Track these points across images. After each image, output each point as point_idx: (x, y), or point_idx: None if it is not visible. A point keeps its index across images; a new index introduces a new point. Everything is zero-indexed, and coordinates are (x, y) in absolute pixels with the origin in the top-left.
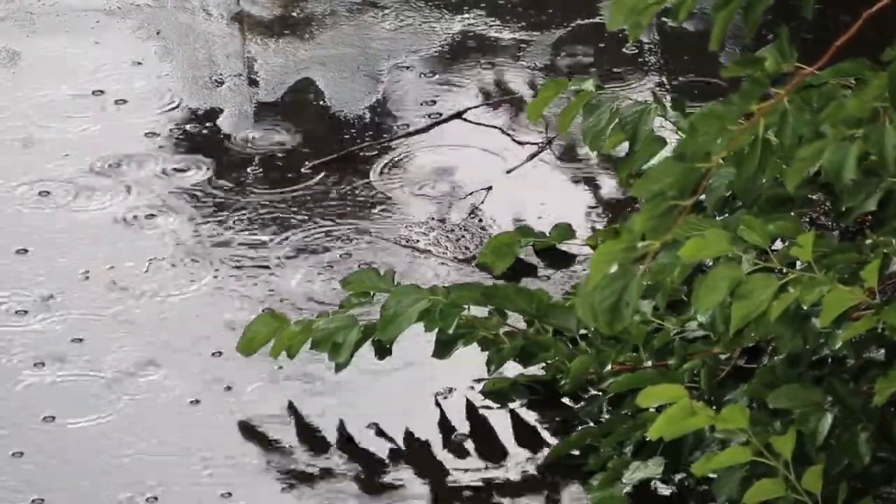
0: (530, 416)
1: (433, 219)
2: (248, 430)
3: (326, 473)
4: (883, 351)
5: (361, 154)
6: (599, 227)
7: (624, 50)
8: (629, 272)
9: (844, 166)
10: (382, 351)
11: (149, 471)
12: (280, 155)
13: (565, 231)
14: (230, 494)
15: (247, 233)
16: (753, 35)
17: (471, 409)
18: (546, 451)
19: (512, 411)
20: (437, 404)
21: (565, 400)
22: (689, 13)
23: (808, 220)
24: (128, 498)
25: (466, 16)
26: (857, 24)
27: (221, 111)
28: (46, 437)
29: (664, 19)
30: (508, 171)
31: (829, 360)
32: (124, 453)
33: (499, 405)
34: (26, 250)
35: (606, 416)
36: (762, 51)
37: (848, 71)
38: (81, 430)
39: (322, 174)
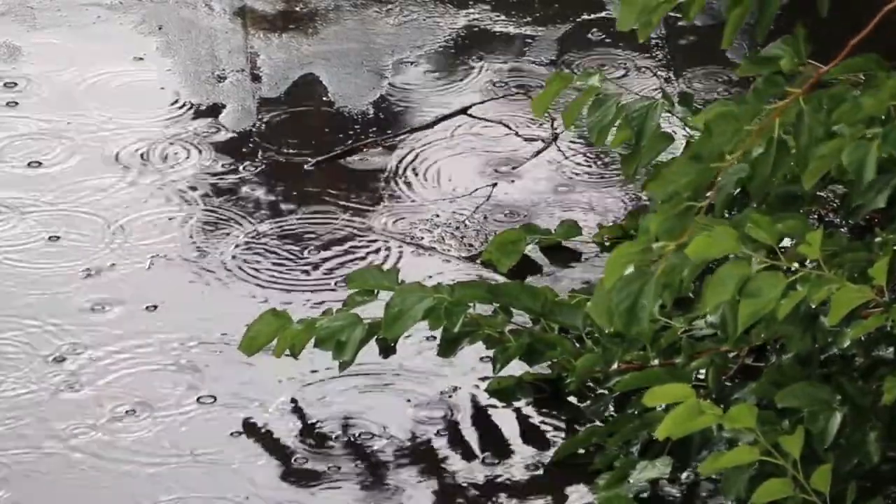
0: (536, 415)
1: (437, 215)
2: (251, 430)
3: (330, 473)
4: (892, 349)
5: (365, 150)
6: (606, 223)
7: (630, 45)
8: (645, 274)
9: (865, 165)
10: (387, 350)
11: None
12: (282, 151)
13: (571, 228)
14: (233, 494)
15: (248, 230)
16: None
17: (476, 408)
18: (552, 450)
19: (517, 410)
20: (442, 403)
21: (571, 399)
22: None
23: (816, 217)
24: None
25: (471, 11)
26: (873, 21)
27: (224, 107)
28: None
29: (671, 14)
30: (514, 168)
31: (838, 358)
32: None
33: (504, 404)
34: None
35: (613, 415)
36: (772, 46)
37: (858, 67)
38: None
39: (325, 170)
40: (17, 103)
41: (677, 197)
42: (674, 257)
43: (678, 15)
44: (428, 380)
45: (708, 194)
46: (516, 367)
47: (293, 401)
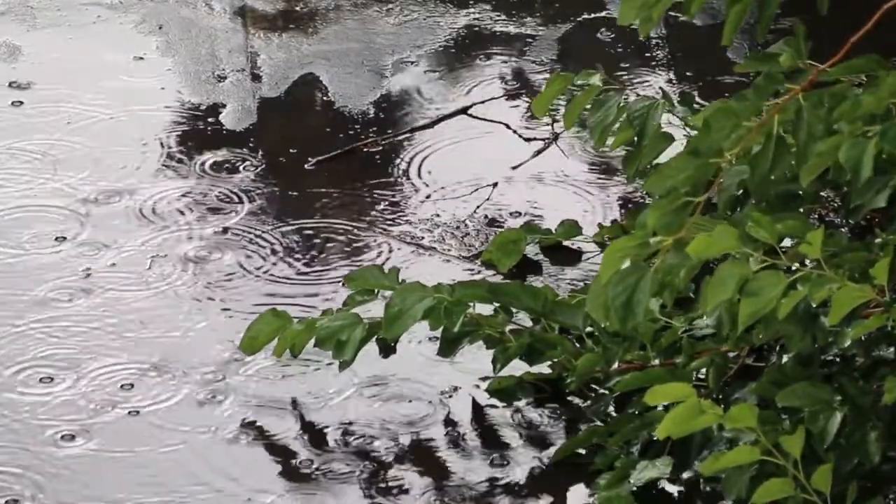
0: (536, 415)
1: (438, 215)
2: (252, 430)
3: (331, 473)
4: (893, 349)
5: (365, 150)
6: (606, 223)
7: (631, 45)
8: (642, 268)
9: (862, 163)
10: (387, 349)
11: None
12: (282, 151)
13: (571, 228)
14: (235, 496)
15: (250, 229)
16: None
17: (476, 408)
18: (552, 450)
19: (518, 410)
20: (443, 403)
21: (572, 398)
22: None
23: (817, 217)
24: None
25: (471, 10)
26: (873, 19)
27: (224, 106)
28: None
29: (672, 13)
30: (514, 168)
31: (839, 358)
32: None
33: (504, 404)
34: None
35: (613, 415)
36: (774, 47)
37: (859, 68)
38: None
39: (325, 170)
40: (21, 102)
41: (675, 192)
42: (671, 252)
43: (679, 14)
44: (428, 380)
45: (709, 194)
46: (517, 367)
47: (294, 401)
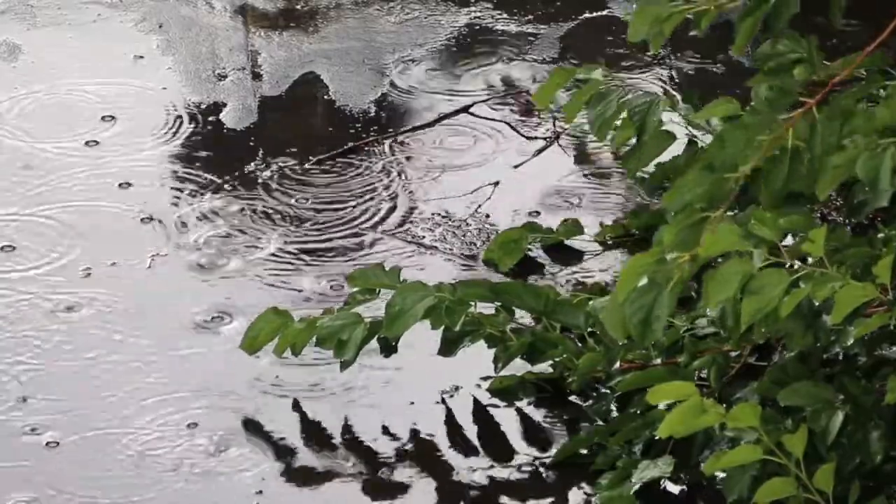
0: (538, 415)
1: (439, 214)
2: (253, 431)
3: (332, 472)
4: (895, 348)
5: (366, 148)
6: (608, 222)
7: (632, 43)
8: (659, 286)
9: (880, 175)
10: (388, 348)
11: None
12: (283, 150)
13: (573, 227)
14: (236, 496)
15: (249, 229)
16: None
17: (477, 408)
18: (554, 449)
19: (519, 409)
20: (444, 402)
21: (573, 398)
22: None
23: (819, 215)
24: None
25: (473, 9)
26: (888, 29)
27: (224, 105)
28: None
29: None
30: (516, 167)
31: (841, 357)
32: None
33: (506, 403)
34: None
35: (615, 415)
36: (769, 43)
37: (863, 65)
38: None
39: (326, 168)
40: (20, 102)
41: (690, 208)
42: (688, 269)
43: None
44: (429, 379)
45: (725, 209)
46: (518, 367)
47: (294, 400)
